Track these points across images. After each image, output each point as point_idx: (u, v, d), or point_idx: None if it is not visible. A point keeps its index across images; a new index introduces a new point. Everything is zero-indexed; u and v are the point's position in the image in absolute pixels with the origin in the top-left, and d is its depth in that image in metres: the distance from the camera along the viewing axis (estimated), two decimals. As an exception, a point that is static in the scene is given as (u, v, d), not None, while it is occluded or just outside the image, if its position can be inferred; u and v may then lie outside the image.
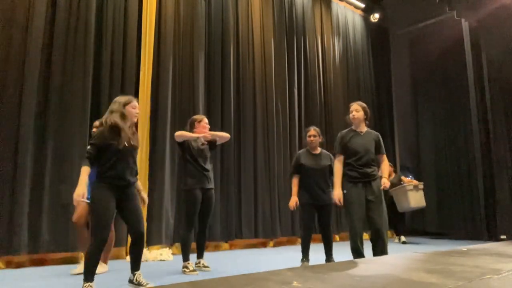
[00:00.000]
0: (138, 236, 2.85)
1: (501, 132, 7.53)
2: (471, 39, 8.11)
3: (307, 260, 4.05)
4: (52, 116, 4.49)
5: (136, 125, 3.10)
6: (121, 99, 2.94)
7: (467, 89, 8.23)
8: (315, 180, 4.02)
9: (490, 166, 7.65)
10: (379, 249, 3.30)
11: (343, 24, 8.73)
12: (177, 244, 5.32)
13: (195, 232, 3.93)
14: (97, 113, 4.89)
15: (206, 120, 3.94)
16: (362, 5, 9.18)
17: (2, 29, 4.29)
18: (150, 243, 4.94)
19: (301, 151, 4.26)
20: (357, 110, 3.53)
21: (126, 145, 2.78)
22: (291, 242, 6.68)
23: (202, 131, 3.82)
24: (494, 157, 7.56)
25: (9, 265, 4.03)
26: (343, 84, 8.38)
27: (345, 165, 3.50)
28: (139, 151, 3.45)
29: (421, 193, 6.56)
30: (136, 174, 2.95)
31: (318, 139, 4.14)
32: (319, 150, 4.19)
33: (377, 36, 9.51)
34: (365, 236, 3.96)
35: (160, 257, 4.74)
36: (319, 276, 2.06)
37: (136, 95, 5.25)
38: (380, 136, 3.58)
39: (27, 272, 3.80)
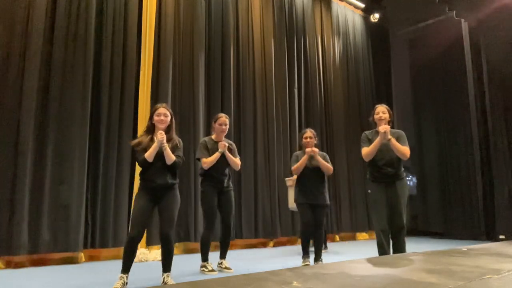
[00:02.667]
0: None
1: (500, 132, 7.54)
2: (471, 39, 8.13)
3: (308, 257, 4.06)
4: (52, 116, 4.48)
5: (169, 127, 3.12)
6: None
7: (466, 89, 8.24)
8: (311, 181, 4.04)
9: (489, 166, 7.67)
10: (398, 247, 3.38)
11: (343, 24, 8.73)
12: (178, 244, 5.32)
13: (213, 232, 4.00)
14: (97, 113, 4.90)
15: (223, 120, 3.86)
16: (362, 5, 9.19)
17: (2, 29, 4.29)
18: (150, 243, 4.94)
19: (298, 152, 4.24)
20: (383, 112, 3.56)
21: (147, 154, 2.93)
22: (291, 242, 6.68)
23: (220, 134, 3.86)
24: (493, 157, 7.57)
25: (9, 265, 4.03)
26: (343, 84, 8.38)
27: (369, 164, 3.55)
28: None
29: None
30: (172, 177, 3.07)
31: (314, 141, 4.12)
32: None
33: (377, 36, 9.51)
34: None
35: (160, 257, 4.73)
36: (319, 276, 2.06)
37: (136, 95, 5.26)
38: (402, 133, 3.58)
39: (27, 272, 3.80)
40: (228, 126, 3.90)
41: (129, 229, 2.91)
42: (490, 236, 7.50)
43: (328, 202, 4.15)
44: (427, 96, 9.19)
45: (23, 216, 4.10)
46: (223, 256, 3.93)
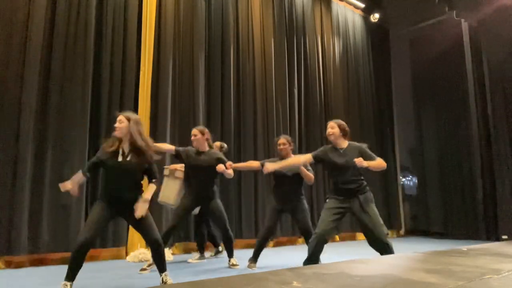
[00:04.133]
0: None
1: (501, 132, 7.54)
2: (471, 39, 8.13)
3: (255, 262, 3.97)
4: (52, 116, 4.48)
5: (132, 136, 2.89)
6: None
7: (467, 89, 8.24)
8: (284, 188, 3.96)
9: (490, 166, 7.66)
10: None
11: (343, 24, 8.73)
12: (177, 244, 5.33)
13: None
14: (97, 113, 4.90)
15: (194, 131, 3.96)
16: (362, 5, 9.19)
17: (2, 29, 4.29)
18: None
19: (272, 159, 4.17)
20: (332, 127, 3.41)
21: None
22: (291, 242, 6.69)
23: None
24: (494, 156, 7.57)
25: (9, 265, 4.03)
26: (343, 84, 8.38)
27: (331, 182, 3.46)
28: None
29: (177, 184, 4.28)
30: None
31: (289, 147, 4.05)
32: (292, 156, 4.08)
33: (377, 36, 9.51)
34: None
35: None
36: (319, 276, 2.06)
37: (136, 95, 5.26)
38: (363, 148, 3.38)
39: (27, 272, 3.80)
40: (196, 136, 3.92)
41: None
42: (491, 236, 7.50)
43: (305, 206, 4.00)
44: (427, 96, 9.19)
45: (23, 216, 4.10)
46: (230, 255, 4.09)
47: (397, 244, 6.54)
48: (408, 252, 3.29)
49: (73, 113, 4.60)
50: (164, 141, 5.34)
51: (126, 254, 4.78)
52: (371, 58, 9.24)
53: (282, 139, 4.09)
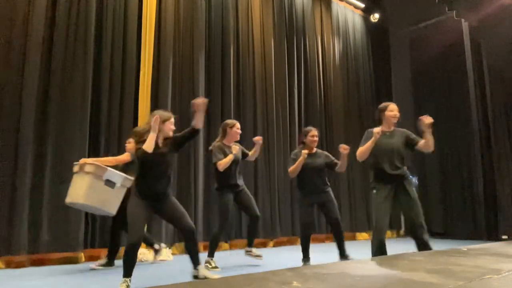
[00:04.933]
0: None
1: (501, 132, 7.53)
2: (471, 39, 8.11)
3: (308, 260, 4.03)
4: (52, 116, 4.48)
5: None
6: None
7: (467, 89, 8.23)
8: (312, 179, 4.02)
9: (491, 166, 7.66)
10: (422, 244, 3.31)
11: (343, 24, 8.73)
12: (177, 244, 5.32)
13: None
14: (97, 113, 4.90)
15: (238, 125, 4.19)
16: (362, 5, 9.18)
17: (2, 29, 4.29)
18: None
19: (296, 150, 4.21)
20: (398, 110, 3.45)
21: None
22: (291, 242, 6.68)
23: (235, 137, 4.13)
24: (495, 156, 7.56)
25: (9, 265, 4.03)
26: (343, 84, 8.38)
27: (371, 167, 3.49)
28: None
29: (86, 179, 3.60)
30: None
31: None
32: (315, 149, 4.18)
33: (377, 36, 9.50)
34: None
35: (160, 257, 4.74)
36: (319, 276, 2.06)
37: (136, 95, 5.26)
38: (408, 132, 3.48)
39: (27, 272, 3.80)
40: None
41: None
42: (491, 236, 7.49)
43: (332, 197, 4.07)
44: (427, 96, 9.18)
45: (23, 216, 4.10)
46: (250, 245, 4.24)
47: (397, 244, 6.56)
48: (408, 252, 3.29)
49: (73, 113, 4.60)
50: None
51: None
52: (371, 58, 9.24)
53: (314, 131, 4.14)
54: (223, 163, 3.85)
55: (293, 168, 3.96)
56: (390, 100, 9.47)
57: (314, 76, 7.83)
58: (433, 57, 8.86)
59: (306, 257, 4.02)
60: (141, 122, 5.09)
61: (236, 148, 3.97)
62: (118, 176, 3.73)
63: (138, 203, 2.87)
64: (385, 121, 3.46)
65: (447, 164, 8.59)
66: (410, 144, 3.41)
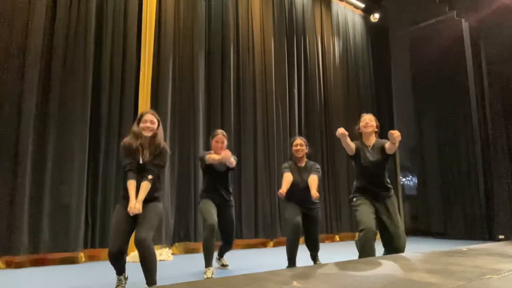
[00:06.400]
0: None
1: (500, 132, 7.54)
2: (471, 39, 8.13)
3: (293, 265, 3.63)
4: (52, 116, 4.48)
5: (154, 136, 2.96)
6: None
7: (467, 89, 8.25)
8: (300, 196, 3.63)
9: (490, 166, 7.66)
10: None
11: (343, 24, 8.73)
12: (177, 244, 5.33)
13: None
14: (97, 113, 4.90)
15: (219, 137, 3.68)
16: (362, 5, 9.19)
17: (2, 29, 4.29)
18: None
19: (286, 164, 3.79)
20: (370, 119, 3.33)
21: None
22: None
23: (216, 149, 3.67)
24: (494, 157, 7.57)
25: (9, 265, 4.03)
26: (343, 84, 8.38)
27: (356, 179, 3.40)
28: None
29: None
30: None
31: (305, 149, 3.74)
32: (304, 161, 3.79)
33: (377, 36, 9.51)
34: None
35: (160, 257, 4.74)
36: (319, 276, 2.06)
37: (136, 95, 5.26)
38: (384, 141, 3.32)
39: (27, 272, 3.80)
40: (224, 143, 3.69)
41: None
42: (491, 236, 7.50)
43: (319, 212, 3.83)
44: (427, 96, 9.18)
45: (23, 216, 4.10)
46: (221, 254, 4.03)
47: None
48: (408, 252, 3.29)
49: (73, 113, 4.60)
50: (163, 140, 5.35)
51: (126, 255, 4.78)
52: (371, 58, 9.24)
53: (299, 140, 3.78)
54: (211, 156, 3.50)
55: (283, 190, 3.45)
56: (390, 100, 9.53)
57: (314, 76, 7.83)
58: (433, 57, 8.87)
59: (292, 265, 3.61)
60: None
61: (226, 156, 3.41)
62: None
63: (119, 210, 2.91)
64: (363, 134, 3.38)
65: (447, 164, 8.60)
66: (386, 154, 3.27)
